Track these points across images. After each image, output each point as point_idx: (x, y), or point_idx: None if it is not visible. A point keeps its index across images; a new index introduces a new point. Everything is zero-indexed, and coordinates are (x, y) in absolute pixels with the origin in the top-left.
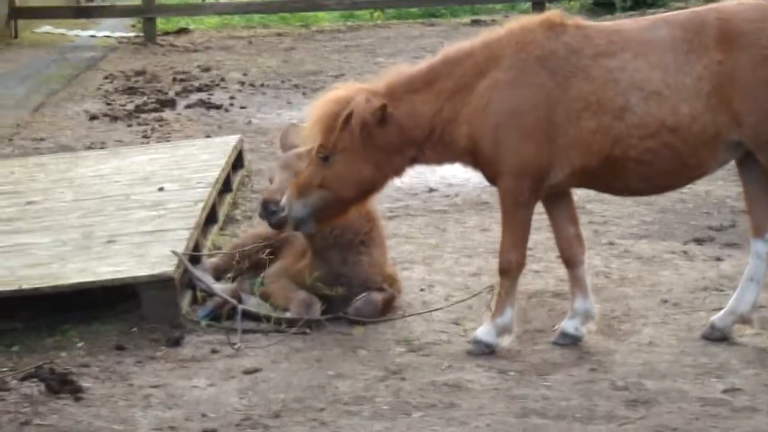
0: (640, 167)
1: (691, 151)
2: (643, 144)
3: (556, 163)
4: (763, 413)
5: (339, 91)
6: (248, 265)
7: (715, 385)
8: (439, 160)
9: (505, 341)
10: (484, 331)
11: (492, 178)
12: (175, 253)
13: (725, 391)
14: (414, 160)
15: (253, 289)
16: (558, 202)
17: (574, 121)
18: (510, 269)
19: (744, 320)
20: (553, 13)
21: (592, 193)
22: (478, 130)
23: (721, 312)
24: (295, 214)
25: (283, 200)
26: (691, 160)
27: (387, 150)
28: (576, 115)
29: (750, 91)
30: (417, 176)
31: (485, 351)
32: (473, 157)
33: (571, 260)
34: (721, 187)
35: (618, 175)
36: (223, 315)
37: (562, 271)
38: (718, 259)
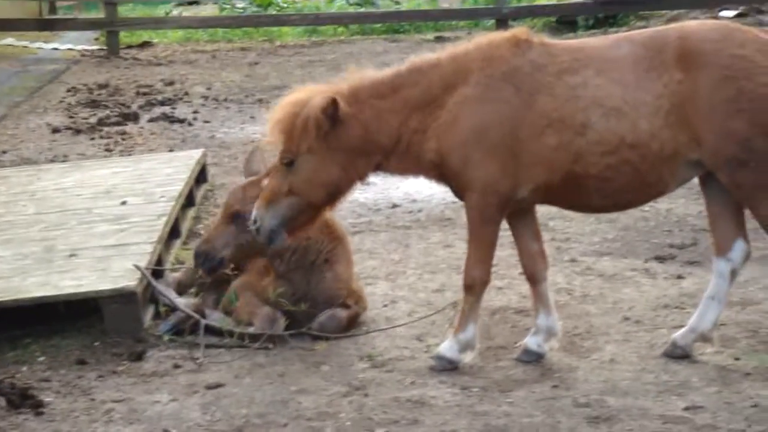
0: (601, 184)
1: (650, 168)
2: (603, 161)
3: (521, 179)
4: (723, 431)
5: (298, 93)
6: (210, 279)
7: (676, 402)
8: (404, 171)
9: (468, 357)
10: (446, 347)
11: (459, 193)
12: (137, 267)
13: (686, 409)
14: (379, 167)
15: (230, 299)
16: (521, 218)
17: (537, 138)
18: (474, 285)
19: (705, 339)
20: (519, 30)
21: (554, 210)
22: (446, 145)
23: (683, 330)
24: (267, 225)
25: (254, 213)
26: (650, 177)
27: (352, 152)
28: (539, 131)
29: (709, 110)
30: (380, 192)
31: (447, 367)
32: (440, 172)
33: (534, 277)
34: (683, 205)
35: (579, 191)
36: (185, 330)
37: (525, 287)
38: (680, 277)
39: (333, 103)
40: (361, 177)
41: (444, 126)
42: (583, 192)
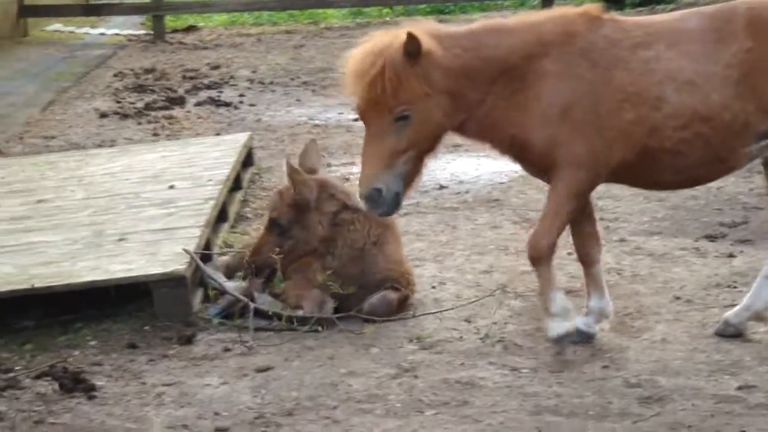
0: (674, 158)
1: (723, 141)
2: (677, 134)
3: (606, 156)
4: None
5: (370, 43)
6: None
7: (728, 382)
8: (482, 137)
9: (564, 326)
10: (551, 328)
11: (541, 170)
12: (186, 251)
13: (739, 388)
14: (461, 127)
15: (276, 283)
16: None
17: (616, 113)
18: (541, 257)
19: (759, 317)
20: (591, 6)
21: (602, 189)
22: (531, 123)
23: (736, 308)
24: (393, 189)
25: (376, 183)
26: (722, 151)
27: (447, 96)
28: (617, 106)
29: None
30: (427, 173)
31: (568, 340)
32: (520, 147)
33: (587, 258)
34: (733, 183)
35: (653, 167)
36: (235, 313)
37: (573, 267)
38: (731, 255)
39: (413, 38)
40: (453, 126)
41: (528, 101)
42: (656, 168)
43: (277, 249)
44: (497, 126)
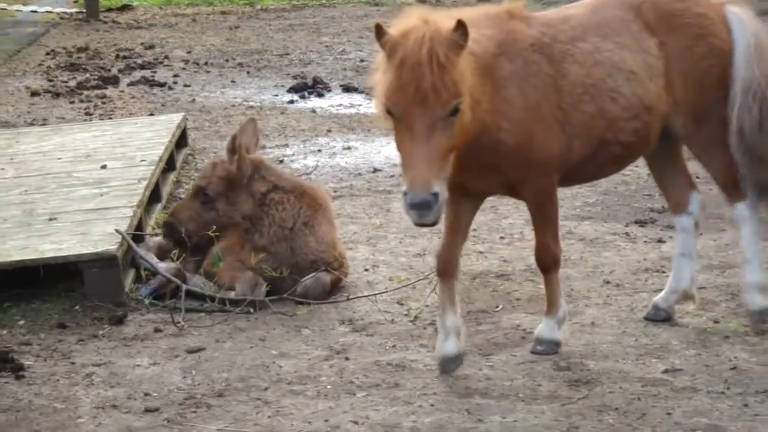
0: (623, 150)
1: (655, 131)
2: (629, 125)
3: (569, 153)
4: (703, 393)
5: (416, 28)
6: (192, 243)
7: (656, 365)
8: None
9: (565, 332)
10: (545, 329)
11: (515, 178)
12: (118, 231)
13: (666, 372)
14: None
15: (214, 262)
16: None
17: (577, 107)
18: (556, 263)
19: (687, 296)
20: (513, 4)
21: None
22: (506, 126)
23: (663, 292)
24: (444, 193)
25: (433, 186)
26: (652, 139)
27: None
28: (578, 99)
29: (688, 68)
30: (361, 157)
31: (554, 350)
32: (498, 155)
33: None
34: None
35: (601, 160)
36: (166, 294)
37: (506, 252)
38: (660, 240)
39: (463, 26)
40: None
41: (499, 104)
42: (604, 161)
43: (196, 216)
44: (481, 130)
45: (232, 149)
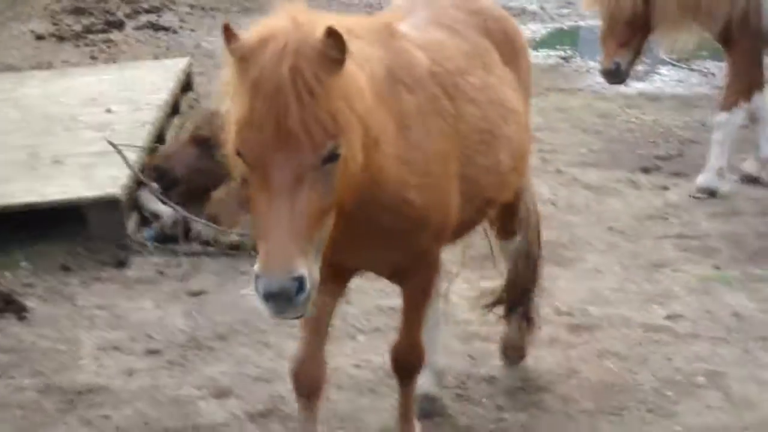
0: (490, 210)
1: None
2: (511, 180)
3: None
4: (703, 339)
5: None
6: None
7: (657, 311)
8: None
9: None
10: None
11: (408, 256)
12: (110, 143)
13: (668, 318)
14: None
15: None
16: None
17: (473, 158)
18: (422, 365)
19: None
20: (391, 17)
21: (540, 120)
22: (407, 175)
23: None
24: (315, 277)
25: (298, 268)
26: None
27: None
28: (474, 149)
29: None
30: None
31: None
32: (394, 215)
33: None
34: (669, 116)
35: (467, 228)
36: (169, 237)
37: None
38: (665, 188)
39: (335, 35)
40: None
41: (405, 149)
42: (468, 228)
43: (193, 162)
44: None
45: None
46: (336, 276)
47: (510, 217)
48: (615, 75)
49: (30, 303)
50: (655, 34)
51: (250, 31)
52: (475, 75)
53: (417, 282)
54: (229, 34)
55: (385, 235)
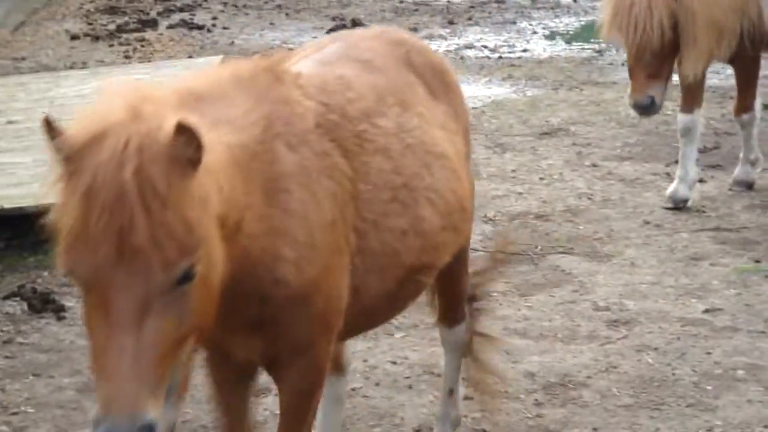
0: (427, 278)
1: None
2: (442, 238)
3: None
4: (742, 332)
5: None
6: None
7: (695, 305)
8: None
9: None
10: None
11: (284, 348)
12: None
13: (706, 311)
14: None
15: None
16: None
17: (381, 223)
18: None
19: None
20: (274, 59)
21: (575, 114)
22: (281, 249)
23: None
24: (171, 418)
25: (146, 413)
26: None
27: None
28: (383, 210)
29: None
30: None
31: None
32: (264, 300)
33: None
34: (705, 108)
35: (394, 303)
36: None
37: (545, 192)
38: (701, 180)
39: (187, 131)
40: None
41: (277, 218)
42: (399, 301)
43: None
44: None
45: None
46: (237, 364)
47: (451, 297)
48: (650, 110)
49: (68, 302)
50: (681, 59)
51: (76, 122)
52: (388, 117)
53: (294, 382)
54: (49, 128)
55: (252, 320)
